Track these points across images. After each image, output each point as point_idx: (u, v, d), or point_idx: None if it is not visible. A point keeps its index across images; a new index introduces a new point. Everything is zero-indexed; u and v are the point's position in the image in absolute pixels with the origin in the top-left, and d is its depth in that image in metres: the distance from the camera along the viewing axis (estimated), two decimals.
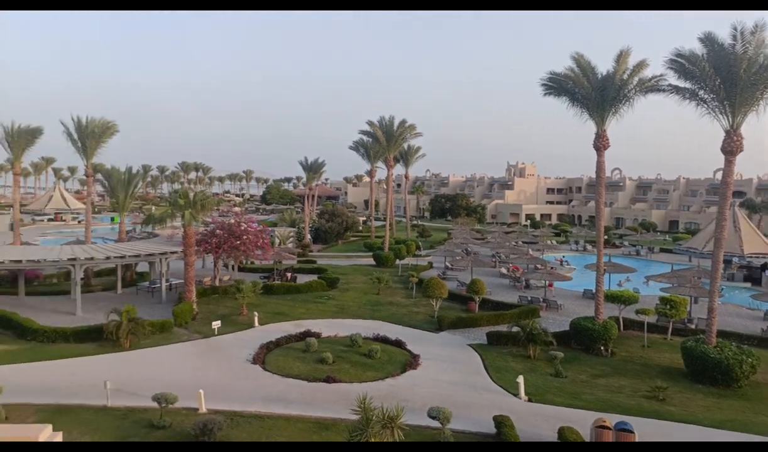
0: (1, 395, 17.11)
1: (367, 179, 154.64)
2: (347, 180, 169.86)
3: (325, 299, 36.53)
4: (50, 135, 49.93)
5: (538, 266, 43.14)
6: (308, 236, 68.39)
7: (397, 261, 52.89)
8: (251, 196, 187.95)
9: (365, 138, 67.87)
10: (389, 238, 60.64)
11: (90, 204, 47.21)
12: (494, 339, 27.24)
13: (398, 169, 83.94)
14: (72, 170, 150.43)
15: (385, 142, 61.71)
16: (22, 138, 47.45)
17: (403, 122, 62.76)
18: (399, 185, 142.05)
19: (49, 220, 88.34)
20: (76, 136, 45.24)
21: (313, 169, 77.27)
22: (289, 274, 43.31)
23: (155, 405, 16.96)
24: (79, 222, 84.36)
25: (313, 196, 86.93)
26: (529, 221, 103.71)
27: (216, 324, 27.84)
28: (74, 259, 31.14)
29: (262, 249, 39.78)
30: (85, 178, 56.63)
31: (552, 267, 43.72)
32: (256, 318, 29.56)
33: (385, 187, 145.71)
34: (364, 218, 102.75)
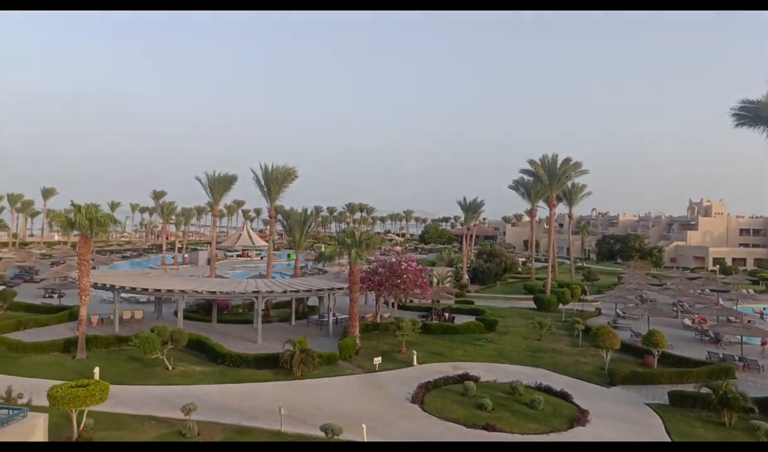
0: (195, 413, 19.53)
1: (526, 218, 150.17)
2: (506, 219, 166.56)
3: (483, 342, 35.75)
4: (241, 182, 57.04)
5: (732, 318, 37.50)
6: (466, 276, 68.06)
7: (560, 306, 49.93)
8: (411, 235, 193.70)
9: (525, 177, 66.30)
10: (551, 281, 57.65)
11: (272, 242, 52.69)
12: (678, 400, 24.03)
13: (560, 208, 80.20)
14: (257, 211, 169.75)
15: (548, 180, 59.52)
16: (221, 184, 55.05)
17: (567, 160, 60.13)
18: (561, 225, 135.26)
19: (238, 255, 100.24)
20: (263, 182, 51.26)
21: (471, 208, 77.29)
22: (447, 314, 43.33)
23: (322, 434, 17.92)
24: (261, 258, 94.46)
25: (470, 236, 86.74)
26: (717, 266, 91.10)
27: (377, 360, 28.77)
28: (258, 292, 34.82)
29: (421, 288, 40.54)
30: (268, 218, 63.58)
31: (750, 321, 37.62)
32: (414, 357, 29.96)
33: (546, 226, 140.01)
34: (524, 259, 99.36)
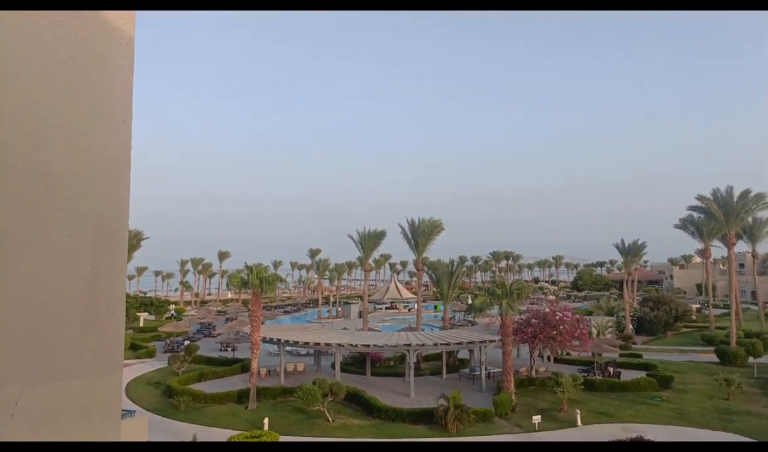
0: None
1: (696, 259, 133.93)
2: (672, 261, 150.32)
3: (657, 401, 31.93)
4: (390, 238, 59.20)
5: None
6: (630, 326, 62.04)
7: (750, 359, 42.96)
8: (562, 282, 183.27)
9: (695, 214, 59.63)
10: (736, 330, 50.12)
11: (420, 294, 53.42)
12: None
13: (741, 246, 70.44)
14: (403, 264, 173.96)
15: (723, 217, 52.83)
16: (371, 240, 57.67)
17: (745, 193, 52.92)
18: (742, 265, 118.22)
19: (386, 308, 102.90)
20: (410, 235, 52.73)
21: (631, 251, 71.13)
22: (611, 369, 39.65)
23: None
24: (409, 310, 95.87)
25: (632, 281, 79.56)
26: None
27: (537, 419, 27.11)
28: (409, 345, 35.24)
29: (580, 339, 37.80)
30: (414, 270, 64.81)
31: None
32: (578, 417, 27.69)
33: (722, 267, 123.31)
34: (698, 305, 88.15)
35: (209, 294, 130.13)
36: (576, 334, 37.34)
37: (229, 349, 52.05)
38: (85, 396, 1.83)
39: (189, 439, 23.29)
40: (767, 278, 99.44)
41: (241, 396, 32.79)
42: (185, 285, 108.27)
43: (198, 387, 35.94)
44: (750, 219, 62.00)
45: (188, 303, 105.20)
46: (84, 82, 1.90)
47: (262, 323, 42.46)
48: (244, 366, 41.08)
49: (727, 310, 64.08)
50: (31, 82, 1.73)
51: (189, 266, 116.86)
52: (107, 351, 1.90)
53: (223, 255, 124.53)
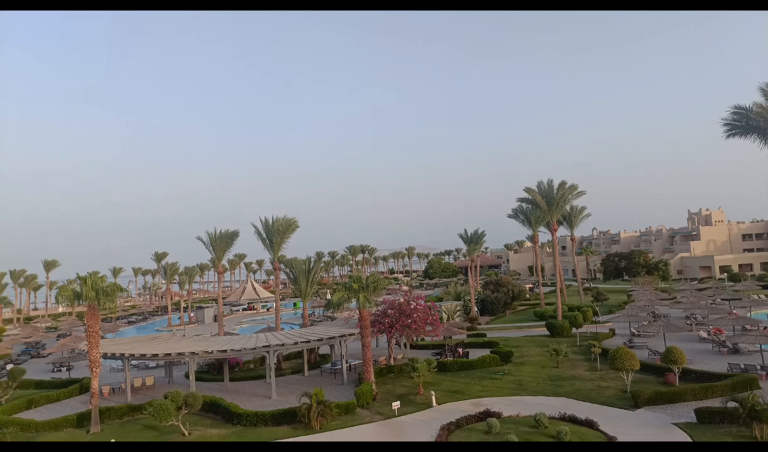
0: None
1: (528, 244, 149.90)
2: (508, 247, 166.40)
3: (500, 375, 35.22)
4: (241, 235, 57.23)
5: (748, 326, 37.09)
6: (475, 309, 67.53)
7: (574, 330, 49.41)
8: (414, 272, 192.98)
9: (524, 205, 66.56)
10: (561, 305, 57.18)
11: (278, 293, 52.48)
12: (705, 417, 23.53)
13: (562, 231, 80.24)
14: (259, 263, 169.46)
15: (546, 206, 59.73)
16: (223, 241, 55.20)
17: (562, 184, 60.38)
18: (564, 247, 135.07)
19: (244, 309, 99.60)
20: (264, 235, 51.44)
21: (473, 240, 77.26)
22: (460, 350, 42.82)
23: None
24: (267, 309, 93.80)
25: (475, 267, 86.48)
26: (725, 274, 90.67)
27: (396, 405, 28.28)
28: (268, 346, 34.47)
29: (432, 325, 40.21)
30: (272, 269, 63.47)
31: (766, 327, 37.14)
32: (433, 398, 29.45)
33: (548, 250, 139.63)
34: (531, 285, 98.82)
35: (35, 309, 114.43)
36: (429, 321, 39.61)
37: (64, 369, 46.48)
38: None
39: None
40: (584, 257, 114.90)
41: (82, 420, 29.47)
42: (3, 302, 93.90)
43: (28, 415, 31.61)
44: (568, 207, 70.95)
45: (8, 321, 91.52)
46: None
47: (102, 337, 38.54)
48: (83, 387, 37.01)
49: (554, 288, 72.67)
50: None
51: (7, 279, 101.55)
52: None
53: (50, 265, 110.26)
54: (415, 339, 44.99)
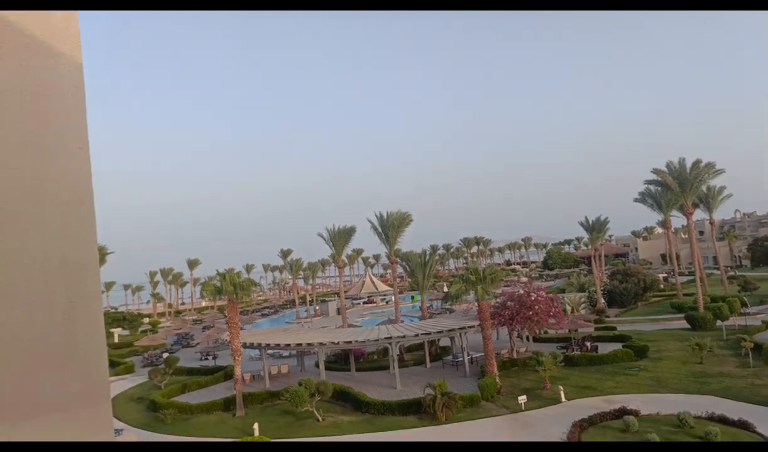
0: None
1: (658, 230, 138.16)
2: (635, 234, 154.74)
3: (635, 370, 33.01)
4: (358, 231, 59.25)
5: None
6: (602, 300, 63.83)
7: (719, 323, 44.81)
8: (532, 263, 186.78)
9: (653, 187, 61.47)
10: (703, 295, 52.11)
11: (396, 287, 53.70)
12: None
13: (698, 214, 72.93)
14: (376, 257, 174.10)
15: (678, 188, 54.65)
16: (342, 237, 57.57)
17: (696, 163, 54.78)
18: (701, 232, 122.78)
19: (364, 302, 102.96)
20: (380, 229, 52.87)
21: (595, 228, 72.98)
22: (588, 344, 40.74)
23: None
24: (386, 302, 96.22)
25: (599, 256, 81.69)
26: None
27: (522, 399, 27.71)
28: (390, 338, 35.45)
29: (556, 317, 38.71)
30: (388, 263, 65.03)
31: None
32: (562, 393, 28.42)
33: (683, 236, 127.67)
34: (665, 274, 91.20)
35: (182, 303, 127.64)
36: (551, 313, 38.20)
37: (210, 358, 51.36)
38: (77, 427, 1.85)
39: None
40: (726, 243, 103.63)
41: (228, 404, 32.47)
42: (157, 297, 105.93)
43: (182, 398, 35.42)
44: (704, 188, 64.29)
45: (162, 314, 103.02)
46: (34, 114, 1.83)
47: (241, 328, 42.02)
48: (227, 374, 40.61)
49: (692, 277, 66.53)
50: None
51: (158, 277, 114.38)
52: (93, 380, 1.93)
53: (192, 264, 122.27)
54: (537, 331, 43.60)
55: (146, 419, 31.67)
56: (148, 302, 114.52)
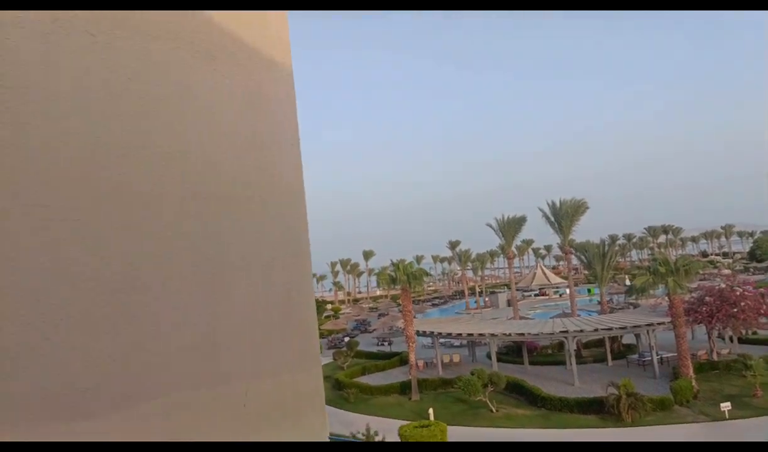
0: None
1: None
2: None
3: None
4: (530, 221, 57.47)
5: None
6: None
7: None
8: (736, 253, 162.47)
9: None
10: None
11: (571, 279, 51.05)
12: None
13: None
14: (547, 248, 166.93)
15: None
16: (511, 227, 56.42)
17: None
18: None
19: (535, 295, 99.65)
20: (552, 219, 50.65)
21: None
22: None
23: None
24: (560, 295, 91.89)
25: None
26: None
27: (725, 407, 24.49)
28: (566, 332, 33.91)
29: None
30: (561, 254, 62.06)
31: None
32: None
33: None
34: None
35: (359, 292, 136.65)
36: (762, 311, 33.03)
37: (386, 344, 54.32)
38: (295, 388, 2.15)
39: (362, 428, 24.79)
40: None
41: (404, 388, 34.10)
42: (338, 286, 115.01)
43: (363, 380, 38.09)
44: None
45: (342, 302, 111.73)
46: (253, 114, 2.07)
47: (414, 317, 43.73)
48: (402, 359, 42.61)
49: None
50: (207, 118, 1.95)
51: (338, 267, 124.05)
52: (306, 349, 2.22)
53: (367, 254, 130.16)
54: (743, 332, 37.98)
55: (332, 396, 34.69)
56: (330, 290, 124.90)
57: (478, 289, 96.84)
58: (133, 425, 1.49)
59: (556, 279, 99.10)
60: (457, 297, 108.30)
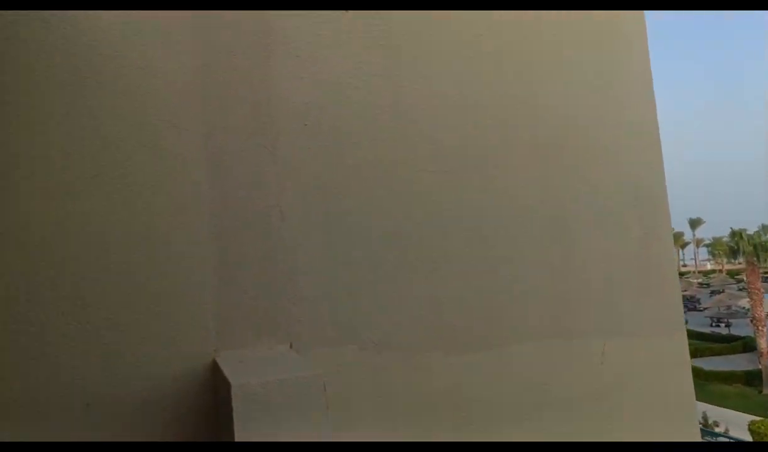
0: None
1: None
2: None
3: None
4: None
5: None
6: None
7: None
8: None
9: None
10: None
11: None
12: None
13: None
14: None
15: None
16: None
17: None
18: None
19: None
20: None
21: None
22: None
23: None
24: None
25: None
26: None
27: None
28: None
29: None
30: None
31: None
32: None
33: None
34: None
35: (684, 265, 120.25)
36: None
37: (722, 325, 46.51)
38: (653, 352, 1.84)
39: (698, 416, 21.86)
40: None
41: (750, 378, 28.73)
42: None
43: (694, 363, 33.52)
44: None
45: None
46: (607, 61, 2.03)
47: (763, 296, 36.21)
48: (745, 345, 35.89)
49: None
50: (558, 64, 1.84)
51: None
52: (666, 313, 1.90)
53: (694, 223, 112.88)
54: None
55: None
56: None
57: None
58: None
59: None
60: None
